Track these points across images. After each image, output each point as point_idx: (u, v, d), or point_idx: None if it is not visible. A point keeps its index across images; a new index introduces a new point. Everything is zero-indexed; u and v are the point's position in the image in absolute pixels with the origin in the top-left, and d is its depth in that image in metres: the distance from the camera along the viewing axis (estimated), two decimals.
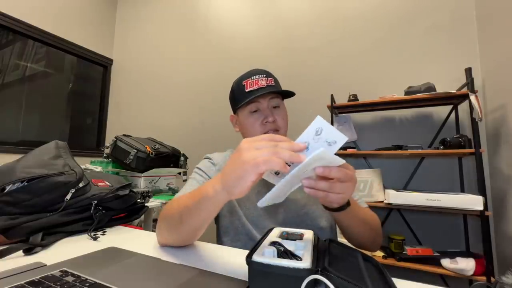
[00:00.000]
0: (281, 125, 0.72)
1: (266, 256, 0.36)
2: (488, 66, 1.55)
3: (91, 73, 2.96)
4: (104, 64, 3.03)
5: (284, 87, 0.74)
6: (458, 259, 1.33)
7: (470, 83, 1.40)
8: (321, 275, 0.33)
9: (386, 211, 1.72)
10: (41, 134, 2.52)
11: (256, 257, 0.36)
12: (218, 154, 0.83)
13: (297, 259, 0.36)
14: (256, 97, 0.70)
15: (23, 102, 2.39)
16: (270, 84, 0.72)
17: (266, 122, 0.70)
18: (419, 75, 1.71)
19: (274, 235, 0.46)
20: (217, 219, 0.77)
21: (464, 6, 1.68)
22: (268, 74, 0.74)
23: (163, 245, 0.58)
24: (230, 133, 2.29)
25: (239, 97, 0.74)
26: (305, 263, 0.34)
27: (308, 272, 0.33)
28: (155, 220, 1.45)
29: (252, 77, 0.72)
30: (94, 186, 0.74)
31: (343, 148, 1.69)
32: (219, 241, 0.74)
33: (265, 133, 0.69)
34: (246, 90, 0.72)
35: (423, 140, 1.67)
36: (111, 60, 3.08)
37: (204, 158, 0.83)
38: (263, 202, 0.42)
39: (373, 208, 0.78)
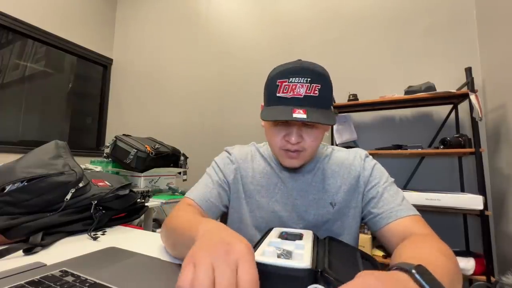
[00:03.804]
0: (308, 146, 0.59)
1: (266, 256, 0.36)
2: (488, 66, 1.55)
3: (91, 73, 2.96)
4: (104, 64, 3.03)
5: None
6: (458, 258, 1.32)
7: (470, 82, 1.40)
8: (321, 277, 0.33)
9: None
10: (41, 134, 2.52)
11: (256, 257, 0.36)
12: (240, 148, 0.74)
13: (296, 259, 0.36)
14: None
15: (23, 102, 2.39)
16: (311, 94, 0.54)
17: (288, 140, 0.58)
18: (419, 74, 1.71)
19: (273, 235, 0.46)
20: (226, 223, 0.75)
21: (464, 6, 1.68)
22: (314, 78, 0.55)
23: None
24: (230, 132, 2.30)
25: (268, 98, 0.59)
26: (305, 263, 0.34)
27: (308, 272, 0.33)
28: (155, 220, 1.45)
29: (290, 79, 0.55)
30: (94, 186, 0.74)
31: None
32: None
33: (286, 150, 0.60)
34: (277, 95, 0.56)
35: (423, 140, 1.67)
36: (111, 60, 3.08)
37: (224, 151, 0.75)
38: None
39: None
